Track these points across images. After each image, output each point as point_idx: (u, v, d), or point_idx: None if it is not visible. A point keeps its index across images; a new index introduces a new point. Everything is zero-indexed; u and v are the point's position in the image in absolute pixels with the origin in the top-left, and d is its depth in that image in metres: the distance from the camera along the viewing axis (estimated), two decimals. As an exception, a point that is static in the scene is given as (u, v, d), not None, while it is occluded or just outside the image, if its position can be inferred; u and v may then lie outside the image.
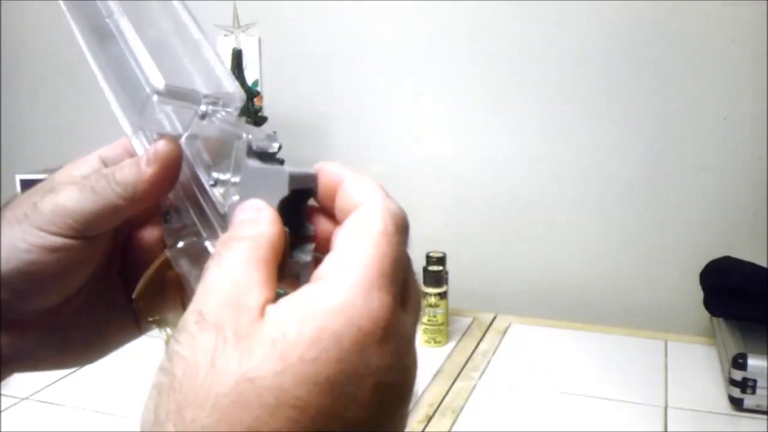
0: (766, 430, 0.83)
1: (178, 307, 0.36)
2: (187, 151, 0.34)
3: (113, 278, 0.37)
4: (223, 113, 0.35)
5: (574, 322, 1.14)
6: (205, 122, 0.34)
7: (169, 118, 0.35)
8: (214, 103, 0.35)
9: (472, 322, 1.13)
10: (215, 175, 0.33)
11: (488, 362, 1.00)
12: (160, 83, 0.34)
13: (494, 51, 1.20)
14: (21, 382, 0.93)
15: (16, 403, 0.88)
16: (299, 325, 0.25)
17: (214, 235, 0.33)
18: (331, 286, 0.27)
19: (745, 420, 0.85)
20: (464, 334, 1.09)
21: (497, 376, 0.96)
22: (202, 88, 0.35)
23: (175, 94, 0.34)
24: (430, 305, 1.04)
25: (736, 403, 0.86)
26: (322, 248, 0.32)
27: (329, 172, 0.32)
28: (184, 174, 0.34)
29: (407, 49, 1.24)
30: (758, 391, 0.85)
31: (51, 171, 1.06)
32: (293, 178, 0.31)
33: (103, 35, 0.36)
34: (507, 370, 0.98)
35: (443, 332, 1.05)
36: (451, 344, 1.05)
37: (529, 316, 1.17)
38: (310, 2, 1.27)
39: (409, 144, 1.25)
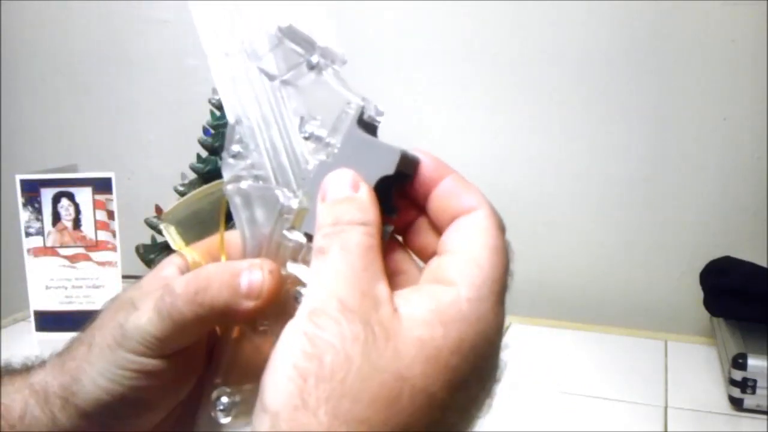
0: (766, 430, 0.83)
1: (203, 237, 0.35)
2: (280, 94, 0.33)
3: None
4: (333, 69, 0.34)
5: (574, 322, 1.14)
6: (311, 73, 0.33)
7: (272, 55, 0.34)
8: (326, 57, 0.34)
9: (472, 322, 1.13)
10: (309, 128, 0.32)
11: (488, 362, 1.00)
12: (284, 21, 0.33)
13: (494, 51, 1.20)
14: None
15: (16, 403, 0.88)
16: (444, 330, 0.27)
17: (287, 186, 0.32)
18: (464, 294, 0.28)
19: (745, 420, 0.85)
20: (464, 334, 1.09)
21: (497, 376, 0.96)
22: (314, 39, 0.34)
23: (295, 36, 0.33)
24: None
25: (736, 403, 0.86)
26: (398, 231, 0.33)
27: (430, 163, 0.32)
28: (268, 113, 0.33)
29: (407, 49, 1.24)
30: (758, 391, 0.85)
31: (51, 171, 1.07)
32: (403, 159, 0.31)
33: None
34: (507, 370, 0.98)
35: (443, 332, 1.05)
36: (451, 344, 1.05)
37: (529, 316, 1.17)
38: (309, 3, 1.27)
39: (409, 144, 1.25)
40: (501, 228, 0.32)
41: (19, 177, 1.07)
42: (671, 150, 1.14)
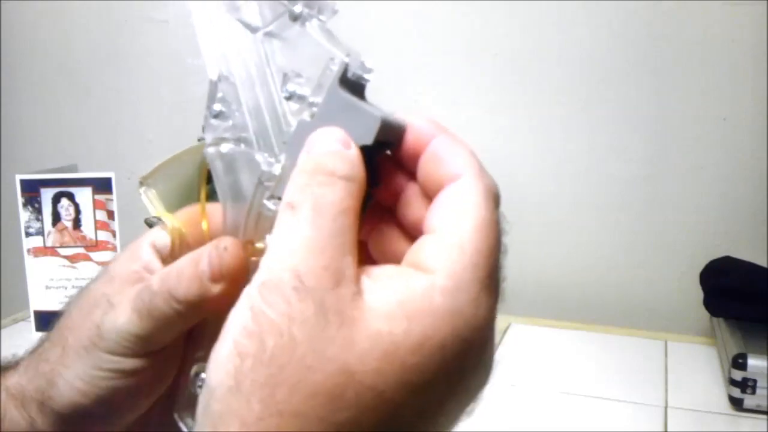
0: (766, 430, 0.83)
1: (184, 203, 0.33)
2: (261, 47, 0.30)
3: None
4: (318, 21, 0.30)
5: (574, 322, 1.14)
6: (295, 24, 0.30)
7: (252, 5, 0.31)
8: (312, 8, 0.30)
9: (472, 322, 1.13)
10: (291, 86, 0.29)
11: (488, 362, 1.00)
12: None
13: (494, 51, 1.20)
14: None
15: (16, 403, 0.88)
16: (408, 324, 0.24)
17: (267, 149, 0.30)
18: (440, 284, 0.25)
19: (745, 420, 0.85)
20: (464, 334, 1.09)
21: (497, 376, 0.96)
22: None
23: None
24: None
25: (736, 403, 0.86)
26: (386, 201, 0.30)
27: (418, 126, 0.29)
28: (250, 71, 0.31)
29: (407, 49, 1.24)
30: (758, 391, 0.85)
31: (51, 171, 1.07)
32: (384, 127, 0.27)
33: None
34: (507, 370, 0.98)
35: (443, 332, 1.05)
36: (451, 344, 1.05)
37: (529, 316, 1.16)
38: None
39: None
40: (491, 197, 0.27)
41: (19, 177, 1.07)
42: (671, 150, 1.14)
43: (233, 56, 0.31)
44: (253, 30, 0.30)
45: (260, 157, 0.30)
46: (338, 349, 0.23)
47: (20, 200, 1.07)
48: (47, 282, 1.08)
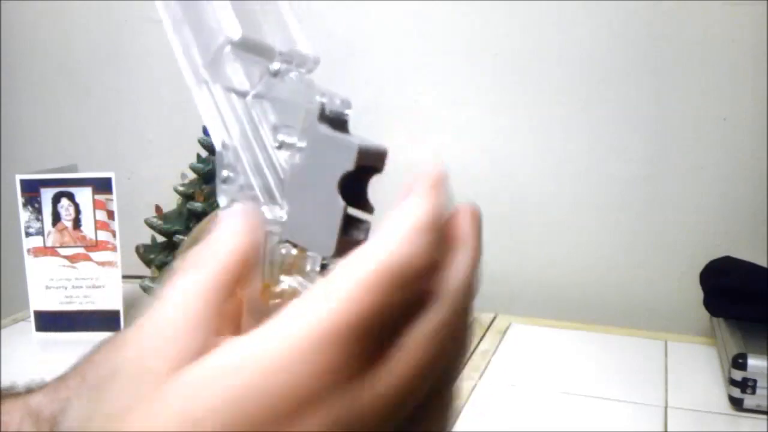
0: (766, 430, 0.83)
1: None
2: (252, 110, 0.32)
3: None
4: (296, 73, 0.33)
5: (574, 322, 1.14)
6: (276, 81, 0.32)
7: (237, 72, 0.33)
8: (288, 62, 0.33)
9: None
10: (281, 137, 0.31)
11: (488, 362, 1.00)
12: (236, 33, 0.32)
13: (494, 51, 1.20)
14: (21, 382, 0.93)
15: (16, 403, 0.88)
16: (193, 399, 0.21)
17: (272, 201, 0.32)
18: (255, 345, 0.22)
19: (745, 420, 0.85)
20: (464, 334, 1.09)
21: (497, 376, 0.96)
22: (277, 45, 0.32)
23: (250, 46, 0.32)
24: (430, 305, 1.03)
25: (736, 403, 0.86)
26: None
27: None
28: (246, 134, 0.33)
29: (407, 49, 1.24)
30: (758, 391, 0.85)
31: (51, 171, 1.07)
32: (362, 153, 0.29)
33: None
34: (507, 370, 0.98)
35: (443, 332, 1.05)
36: (451, 344, 1.05)
37: (529, 316, 1.16)
38: (309, 2, 1.27)
39: (409, 144, 1.25)
40: (386, 277, 0.23)
41: (19, 177, 1.07)
42: (671, 150, 1.14)
43: (231, 123, 0.33)
44: (244, 94, 0.32)
45: (265, 209, 0.32)
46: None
47: (20, 200, 1.07)
48: (47, 282, 1.08)
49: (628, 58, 1.14)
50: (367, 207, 0.30)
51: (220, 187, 0.33)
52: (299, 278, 0.30)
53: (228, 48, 0.32)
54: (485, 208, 1.20)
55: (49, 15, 1.48)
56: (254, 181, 0.32)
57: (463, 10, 1.20)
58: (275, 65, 0.32)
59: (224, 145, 0.33)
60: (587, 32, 1.15)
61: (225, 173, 0.33)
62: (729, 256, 1.08)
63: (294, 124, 0.31)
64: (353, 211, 0.29)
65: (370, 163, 0.30)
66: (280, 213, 0.31)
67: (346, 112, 0.31)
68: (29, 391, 0.35)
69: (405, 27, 1.24)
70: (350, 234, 0.29)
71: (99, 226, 1.08)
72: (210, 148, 1.10)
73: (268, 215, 0.31)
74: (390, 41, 1.25)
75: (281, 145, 0.31)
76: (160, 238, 1.11)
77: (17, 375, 1.00)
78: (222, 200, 0.33)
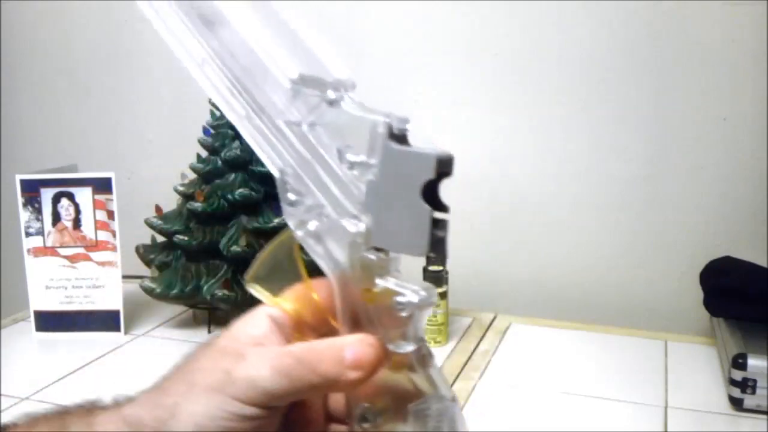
0: (766, 430, 0.83)
1: (286, 286, 0.38)
2: (309, 136, 0.35)
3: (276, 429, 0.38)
4: (349, 98, 0.36)
5: (574, 322, 1.14)
6: (331, 108, 0.35)
7: (289, 106, 0.36)
8: (339, 90, 0.36)
9: (472, 322, 1.13)
10: (350, 157, 0.35)
11: (488, 362, 1.00)
12: (294, 72, 0.35)
13: (494, 51, 1.20)
14: (21, 381, 0.93)
15: (16, 403, 0.88)
16: None
17: (347, 215, 0.35)
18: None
19: (745, 420, 0.85)
20: (464, 334, 1.09)
21: (497, 376, 0.96)
22: (322, 75, 0.36)
23: (307, 82, 0.35)
24: (430, 305, 1.03)
25: (736, 403, 0.86)
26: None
27: None
28: (307, 158, 0.36)
29: (407, 49, 1.25)
30: (758, 391, 0.85)
31: (51, 171, 1.06)
32: (440, 162, 0.33)
33: (210, 22, 0.37)
34: (507, 370, 0.98)
35: (443, 332, 1.05)
36: (451, 344, 1.05)
37: (529, 316, 1.17)
38: (309, 2, 1.27)
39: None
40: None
41: (19, 177, 1.07)
42: (671, 150, 1.14)
43: (286, 150, 0.36)
44: (297, 125, 0.36)
45: (346, 222, 0.35)
46: None
47: (20, 200, 1.07)
48: (47, 282, 1.08)
49: (628, 58, 1.14)
50: (442, 207, 0.34)
51: (287, 210, 0.37)
52: (391, 279, 0.35)
53: (288, 85, 0.35)
54: (485, 208, 1.22)
55: (49, 15, 1.48)
56: (324, 199, 0.36)
57: (463, 10, 1.20)
58: (331, 95, 0.35)
59: (283, 172, 0.36)
60: (587, 32, 1.15)
61: (291, 197, 0.36)
62: (729, 256, 1.08)
63: (354, 144, 0.35)
64: (434, 213, 0.34)
65: (444, 169, 0.34)
66: (360, 224, 0.35)
67: (407, 127, 0.35)
68: (118, 404, 0.37)
69: (405, 27, 1.24)
70: (435, 233, 0.34)
71: (99, 226, 1.08)
72: (210, 148, 1.10)
73: (351, 229, 0.35)
74: (390, 41, 1.25)
75: (352, 166, 0.35)
76: (160, 238, 1.11)
77: (17, 375, 1.01)
78: (291, 222, 0.37)
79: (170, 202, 1.13)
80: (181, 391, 0.35)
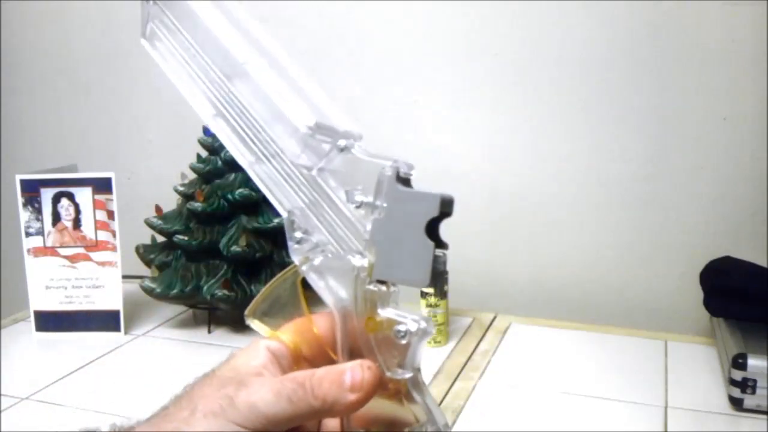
0: (766, 430, 0.83)
1: (286, 320, 0.41)
2: (319, 180, 0.39)
3: None
4: (358, 146, 0.39)
5: (574, 322, 1.14)
6: (341, 154, 0.38)
7: (301, 152, 0.39)
8: (348, 137, 0.39)
9: (472, 322, 1.13)
10: (359, 198, 0.38)
11: (488, 362, 1.00)
12: (311, 120, 0.38)
13: (494, 51, 1.20)
14: (21, 382, 0.93)
15: (16, 403, 0.88)
16: None
17: (350, 250, 0.38)
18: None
19: (745, 420, 0.85)
20: (464, 334, 1.09)
21: (497, 376, 0.96)
22: (334, 125, 0.39)
23: (322, 130, 0.39)
24: (430, 305, 1.04)
25: (736, 403, 0.86)
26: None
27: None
28: (315, 198, 0.39)
29: (407, 49, 1.25)
30: (758, 391, 0.85)
31: (51, 171, 1.07)
32: (443, 202, 0.36)
33: (229, 75, 0.40)
34: (507, 370, 0.98)
35: (443, 332, 1.05)
36: (451, 344, 1.05)
37: (529, 316, 1.17)
38: (309, 2, 1.27)
39: (408, 144, 1.25)
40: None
41: (19, 177, 1.07)
42: (671, 150, 1.14)
43: (296, 191, 0.39)
44: (308, 169, 0.39)
45: (351, 257, 0.38)
46: None
47: (20, 200, 1.07)
48: (47, 282, 1.08)
49: (628, 58, 1.14)
50: (442, 245, 0.37)
51: (293, 248, 0.39)
52: (392, 309, 0.38)
53: (305, 131, 0.38)
54: (485, 208, 1.22)
55: (49, 15, 1.48)
56: (329, 237, 0.39)
57: (463, 10, 1.20)
58: (342, 143, 0.39)
59: (291, 212, 0.39)
60: (587, 32, 1.15)
61: (298, 235, 0.39)
62: (729, 256, 1.08)
63: (362, 186, 0.38)
64: (436, 250, 0.36)
65: (446, 209, 0.37)
66: (364, 260, 0.38)
67: (412, 172, 0.38)
68: None
69: (405, 27, 1.24)
70: (436, 267, 0.36)
71: (99, 226, 1.08)
72: (210, 148, 1.10)
73: (356, 263, 0.38)
74: (390, 41, 1.25)
75: (360, 205, 0.38)
76: (160, 238, 1.11)
77: (17, 375, 1.01)
78: (296, 259, 0.39)
79: (170, 202, 1.13)
80: (182, 417, 0.36)
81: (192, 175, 1.11)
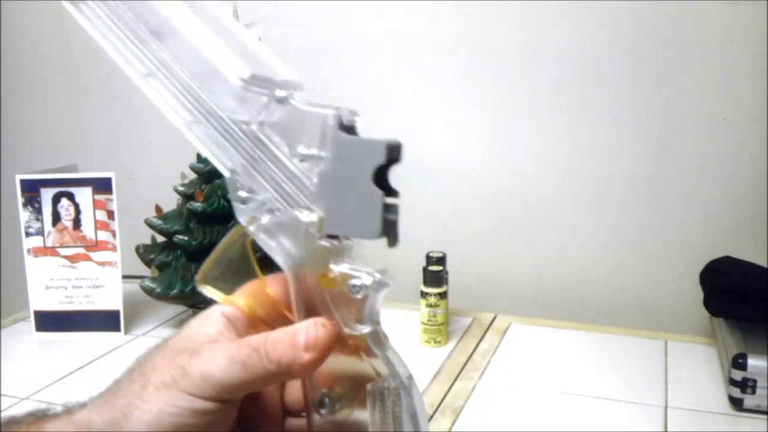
0: (766, 430, 0.83)
1: (239, 284, 0.39)
2: (259, 134, 0.37)
3: (232, 427, 0.38)
4: (298, 96, 0.37)
5: (574, 322, 1.14)
6: (280, 106, 0.37)
7: (238, 106, 0.37)
8: (288, 89, 0.37)
9: (472, 322, 1.13)
10: (301, 150, 0.36)
11: (488, 362, 1.00)
12: (245, 72, 0.36)
13: (494, 51, 1.20)
14: (21, 381, 0.93)
15: (16, 403, 0.88)
16: None
17: (299, 206, 0.36)
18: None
19: (745, 420, 0.85)
20: (464, 334, 1.09)
21: (497, 376, 0.96)
22: (270, 76, 0.37)
23: (257, 81, 0.37)
24: (430, 305, 1.04)
25: (736, 403, 0.86)
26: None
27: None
28: (257, 154, 0.37)
29: (407, 49, 1.25)
30: (758, 391, 0.85)
31: (51, 171, 1.07)
32: (389, 148, 0.35)
33: (158, 33, 0.38)
34: (507, 370, 0.98)
35: (443, 332, 1.05)
36: (451, 344, 1.05)
37: (529, 316, 1.17)
38: (309, 2, 1.27)
39: (409, 144, 1.25)
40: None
41: (19, 177, 1.07)
42: (671, 150, 1.14)
43: (236, 149, 0.37)
44: (246, 124, 0.37)
45: (299, 213, 0.36)
46: None
47: (20, 200, 1.07)
48: (47, 282, 1.08)
49: (628, 58, 1.14)
50: (393, 192, 0.36)
51: (238, 208, 0.38)
52: (346, 264, 0.36)
53: (238, 84, 0.36)
54: (485, 208, 1.22)
55: (49, 15, 1.48)
56: (275, 194, 0.37)
57: (464, 10, 1.20)
58: (280, 93, 0.37)
59: (233, 171, 0.37)
60: (587, 32, 1.15)
61: (242, 194, 0.37)
62: (729, 256, 1.08)
63: (305, 138, 0.36)
64: (385, 198, 0.35)
65: (394, 155, 0.36)
66: (313, 214, 0.36)
67: (356, 119, 0.36)
68: (69, 410, 0.36)
69: (405, 27, 1.24)
70: (387, 216, 0.35)
71: (99, 226, 1.08)
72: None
73: (304, 218, 0.36)
74: (390, 41, 1.25)
75: (303, 158, 0.36)
76: (160, 238, 1.11)
77: (17, 375, 1.01)
78: (242, 220, 0.38)
79: (170, 202, 1.13)
80: (134, 391, 0.35)
81: (192, 175, 1.11)
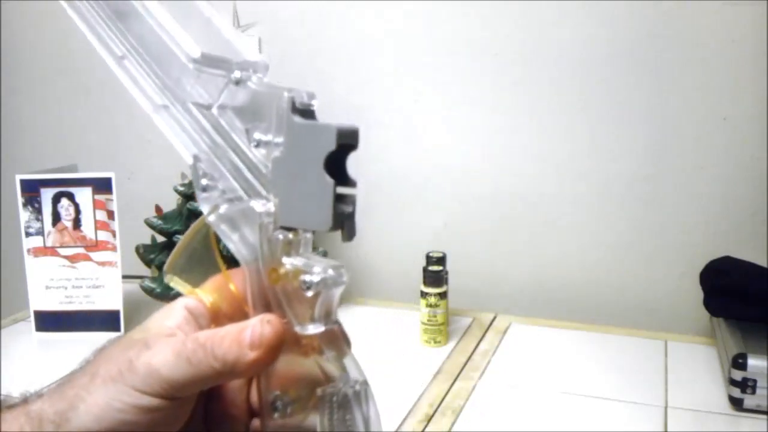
0: (766, 430, 0.83)
1: (204, 275, 0.37)
2: (220, 119, 0.35)
3: (197, 426, 0.37)
4: (257, 78, 0.35)
5: (574, 322, 1.14)
6: (238, 88, 0.35)
7: (197, 89, 0.35)
8: (246, 70, 0.35)
9: (472, 322, 1.13)
10: (257, 136, 0.34)
11: (488, 362, 1.00)
12: (196, 52, 0.34)
13: (494, 51, 1.20)
14: (21, 382, 0.93)
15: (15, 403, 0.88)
16: None
17: (258, 196, 0.35)
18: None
19: (745, 420, 0.85)
20: (464, 334, 1.09)
21: (497, 376, 0.96)
22: (230, 57, 0.35)
23: (211, 61, 0.35)
24: (430, 305, 1.04)
25: (736, 403, 0.86)
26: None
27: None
28: (218, 142, 0.35)
29: (407, 49, 1.24)
30: (758, 391, 0.85)
31: (51, 171, 1.07)
32: (341, 133, 0.32)
33: (124, 14, 0.37)
34: (507, 370, 0.98)
35: (443, 332, 1.05)
36: (451, 344, 1.05)
37: (529, 316, 1.17)
38: (310, 2, 1.27)
39: (409, 144, 1.25)
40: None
41: (19, 177, 1.07)
42: (671, 150, 1.14)
43: (199, 136, 0.36)
44: (207, 108, 0.35)
45: (254, 203, 0.34)
46: None
47: (20, 200, 1.07)
48: (47, 282, 1.08)
49: (628, 58, 1.14)
50: (349, 182, 0.33)
51: (201, 196, 0.36)
52: (299, 258, 0.34)
53: (191, 65, 0.34)
54: (485, 208, 1.22)
55: (49, 15, 1.48)
56: (235, 182, 0.35)
57: (464, 10, 1.20)
58: (236, 74, 0.35)
59: (196, 158, 0.36)
60: (587, 32, 1.15)
61: (204, 182, 0.36)
62: (729, 256, 1.08)
63: (264, 123, 0.34)
64: (339, 188, 0.33)
65: (348, 141, 0.33)
66: (268, 204, 0.34)
67: (313, 102, 0.34)
68: (26, 400, 0.36)
69: (405, 27, 1.24)
70: (341, 208, 0.33)
71: (99, 226, 1.08)
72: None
73: (259, 209, 0.34)
74: (390, 41, 1.25)
75: (258, 144, 0.34)
76: (160, 238, 1.11)
77: (17, 375, 1.01)
78: (204, 208, 0.36)
79: (170, 202, 1.13)
80: (83, 383, 0.34)
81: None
